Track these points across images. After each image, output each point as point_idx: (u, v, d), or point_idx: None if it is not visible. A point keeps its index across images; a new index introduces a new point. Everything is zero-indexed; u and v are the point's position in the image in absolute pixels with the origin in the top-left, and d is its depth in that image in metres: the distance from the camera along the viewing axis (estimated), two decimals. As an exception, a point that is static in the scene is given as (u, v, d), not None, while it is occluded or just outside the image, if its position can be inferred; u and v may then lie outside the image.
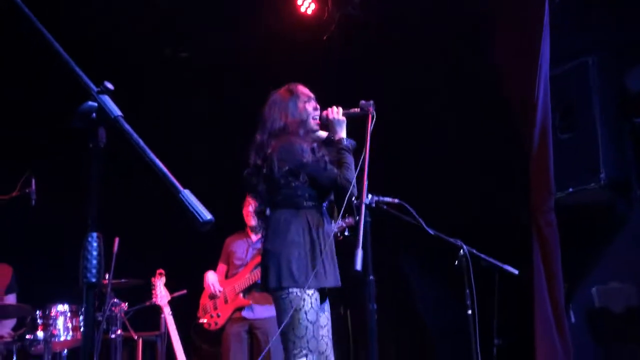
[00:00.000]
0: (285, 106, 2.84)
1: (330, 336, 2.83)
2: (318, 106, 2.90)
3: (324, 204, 2.84)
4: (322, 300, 2.80)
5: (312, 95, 2.92)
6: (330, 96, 5.31)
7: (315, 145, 2.77)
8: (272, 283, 2.66)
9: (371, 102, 2.71)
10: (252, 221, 4.16)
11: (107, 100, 1.27)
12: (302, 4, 5.00)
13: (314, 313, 2.64)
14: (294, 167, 2.70)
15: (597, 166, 3.90)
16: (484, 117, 4.43)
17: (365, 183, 2.38)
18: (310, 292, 2.64)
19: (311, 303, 2.63)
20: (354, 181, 2.67)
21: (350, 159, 2.76)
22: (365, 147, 2.50)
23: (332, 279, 2.73)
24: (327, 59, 5.09)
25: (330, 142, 2.84)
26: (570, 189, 4.00)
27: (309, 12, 5.02)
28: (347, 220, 3.92)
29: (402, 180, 4.57)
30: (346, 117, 2.83)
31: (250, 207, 4.10)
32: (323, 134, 2.91)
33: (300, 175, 2.71)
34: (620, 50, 4.12)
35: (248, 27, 4.97)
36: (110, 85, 1.29)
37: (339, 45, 5.03)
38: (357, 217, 2.27)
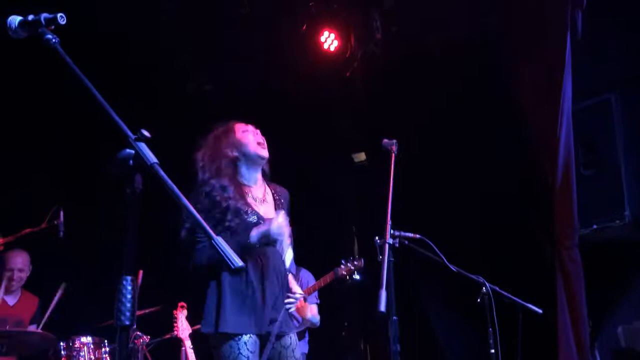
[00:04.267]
0: (222, 144, 2.76)
1: None
2: (258, 130, 2.81)
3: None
4: (276, 343, 2.65)
5: (250, 125, 2.83)
6: (352, 130, 5.39)
7: (213, 189, 2.64)
8: (202, 329, 2.66)
9: (394, 141, 2.74)
10: None
11: (144, 147, 1.33)
12: (325, 41, 5.10)
13: (244, 358, 2.53)
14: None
15: (621, 203, 3.87)
16: (507, 154, 4.43)
17: (389, 222, 2.40)
18: (237, 337, 2.54)
19: (239, 348, 2.53)
20: (197, 261, 2.62)
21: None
22: (389, 186, 2.52)
23: (255, 326, 2.58)
24: (350, 95, 5.17)
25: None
26: (595, 226, 3.96)
27: (332, 48, 5.12)
28: (355, 262, 3.89)
29: (424, 215, 4.57)
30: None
31: None
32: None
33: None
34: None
35: (272, 63, 5.08)
36: (147, 134, 1.34)
37: (361, 81, 5.11)
38: (380, 257, 2.28)
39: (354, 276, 3.94)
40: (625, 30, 4.14)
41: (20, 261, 4.43)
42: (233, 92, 5.33)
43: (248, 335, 2.56)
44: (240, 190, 2.72)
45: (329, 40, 5.09)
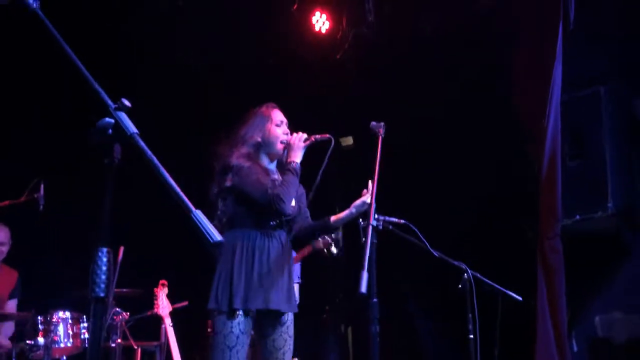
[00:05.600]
0: (255, 125, 2.91)
1: (287, 347, 2.82)
2: (288, 132, 2.94)
3: (271, 223, 2.80)
4: (273, 320, 2.80)
5: (285, 120, 2.98)
6: (340, 114, 5.37)
7: (249, 164, 2.78)
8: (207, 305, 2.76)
9: (382, 123, 2.72)
10: None
11: (124, 117, 1.29)
12: (317, 23, 5.04)
13: (234, 337, 2.65)
14: (224, 187, 2.76)
15: (605, 195, 3.91)
16: (493, 141, 4.44)
17: (373, 205, 2.39)
18: (232, 316, 2.66)
19: (231, 327, 2.65)
20: (284, 197, 2.69)
21: (289, 178, 2.77)
22: (375, 169, 2.51)
23: (261, 301, 2.70)
24: (340, 78, 5.13)
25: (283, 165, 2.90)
26: (577, 217, 4.00)
27: (323, 30, 5.06)
28: (332, 235, 3.91)
29: (409, 201, 4.57)
30: (310, 143, 2.88)
31: None
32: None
33: (228, 195, 2.76)
34: (632, 79, 4.14)
35: (262, 43, 5.01)
36: (127, 103, 1.30)
37: (351, 64, 5.06)
38: (363, 239, 2.27)
39: (331, 249, 3.95)
40: (618, 23, 4.15)
41: (2, 235, 4.39)
42: (221, 70, 5.27)
43: (243, 317, 2.68)
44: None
45: (320, 22, 5.02)
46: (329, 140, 2.88)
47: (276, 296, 2.72)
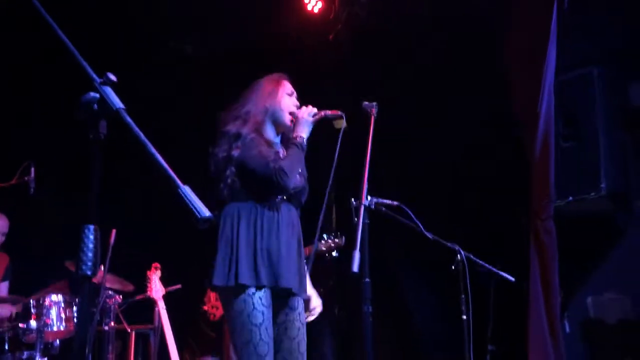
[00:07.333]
0: (265, 91, 2.76)
1: (300, 336, 2.65)
2: (298, 103, 2.80)
3: (278, 197, 2.64)
4: (283, 304, 2.64)
5: (294, 91, 2.84)
6: (333, 94, 5.33)
7: (254, 135, 2.64)
8: (212, 281, 2.55)
9: (374, 103, 2.69)
10: None
11: (110, 92, 1.26)
12: (309, 2, 4.99)
13: (259, 314, 2.46)
14: (231, 155, 2.61)
15: (598, 176, 3.91)
16: (487, 122, 4.43)
17: (365, 184, 2.37)
18: (252, 291, 2.49)
19: (253, 303, 2.47)
20: (287, 170, 2.53)
21: (293, 152, 2.63)
22: (367, 148, 2.49)
23: (271, 277, 2.53)
24: (333, 58, 5.09)
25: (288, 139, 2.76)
26: (570, 198, 4.00)
27: (316, 10, 5.01)
28: (336, 240, 3.80)
29: (402, 182, 4.56)
30: (319, 118, 2.74)
31: None
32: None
33: (234, 165, 2.61)
34: (626, 61, 4.12)
35: (254, 23, 4.96)
36: (113, 77, 1.27)
37: (344, 44, 5.02)
38: (356, 219, 2.26)
39: (333, 253, 3.86)
40: (613, 4, 4.12)
41: (4, 224, 4.40)
42: (213, 53, 5.22)
43: (262, 290, 2.50)
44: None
45: (313, 1, 4.97)
46: (340, 117, 2.72)
47: (287, 274, 2.54)
